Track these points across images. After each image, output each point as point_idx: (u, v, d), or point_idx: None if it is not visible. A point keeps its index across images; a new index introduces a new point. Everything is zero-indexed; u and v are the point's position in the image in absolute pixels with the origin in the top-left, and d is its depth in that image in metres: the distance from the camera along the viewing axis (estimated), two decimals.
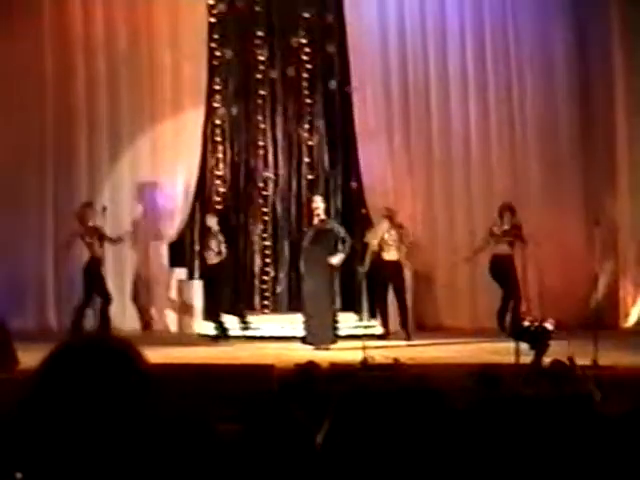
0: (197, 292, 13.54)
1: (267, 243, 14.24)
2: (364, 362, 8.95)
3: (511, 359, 8.78)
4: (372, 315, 12.74)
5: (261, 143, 14.23)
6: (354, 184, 13.89)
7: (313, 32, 14.03)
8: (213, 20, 13.92)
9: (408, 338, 12.02)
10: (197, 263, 13.85)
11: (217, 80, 14.07)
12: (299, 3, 14.04)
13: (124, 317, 13.61)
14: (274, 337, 12.34)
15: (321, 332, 11.44)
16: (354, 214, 13.77)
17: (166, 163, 13.97)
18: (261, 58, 14.11)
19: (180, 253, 14.07)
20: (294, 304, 13.39)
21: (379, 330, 12.43)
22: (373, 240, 12.51)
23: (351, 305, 13.07)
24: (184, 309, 13.73)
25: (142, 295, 14.01)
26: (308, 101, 14.12)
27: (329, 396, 2.66)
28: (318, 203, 11.93)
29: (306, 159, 14.19)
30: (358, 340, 10.53)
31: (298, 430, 2.47)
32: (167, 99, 13.95)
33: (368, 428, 1.95)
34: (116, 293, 12.99)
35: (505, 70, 13.69)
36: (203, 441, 2.42)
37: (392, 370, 8.28)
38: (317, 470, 2.09)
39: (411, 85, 13.79)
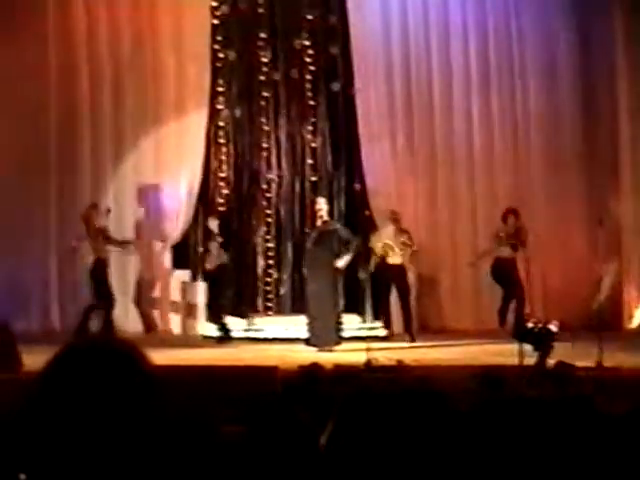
0: (200, 294, 13.54)
1: (270, 245, 14.23)
2: (368, 364, 8.95)
3: (515, 361, 8.77)
4: (376, 317, 12.73)
5: (264, 145, 14.21)
6: (357, 186, 13.88)
7: (316, 34, 14.01)
8: (216, 22, 13.90)
9: (412, 340, 12.03)
10: (200, 265, 13.85)
11: (220, 82, 14.06)
12: (302, 5, 14.03)
13: (127, 319, 13.59)
14: (278, 339, 12.32)
15: (325, 334, 11.43)
16: (357, 216, 13.74)
17: (169, 165, 13.96)
18: (264, 60, 14.09)
19: (183, 255, 14.07)
20: (298, 306, 13.38)
21: (383, 332, 12.42)
22: (377, 244, 12.51)
23: (355, 307, 13.05)
24: (187, 311, 13.72)
25: (145, 297, 14.00)
26: (311, 103, 14.10)
27: (333, 398, 2.66)
28: (321, 205, 11.92)
29: (309, 161, 14.18)
30: (362, 342, 10.50)
31: (302, 432, 2.47)
32: (170, 101, 13.93)
33: (372, 430, 1.95)
34: (119, 295, 12.99)
35: (508, 72, 13.69)
36: (207, 443, 2.43)
37: (396, 372, 8.28)
38: (321, 472, 2.09)
39: (414, 87, 13.79)
